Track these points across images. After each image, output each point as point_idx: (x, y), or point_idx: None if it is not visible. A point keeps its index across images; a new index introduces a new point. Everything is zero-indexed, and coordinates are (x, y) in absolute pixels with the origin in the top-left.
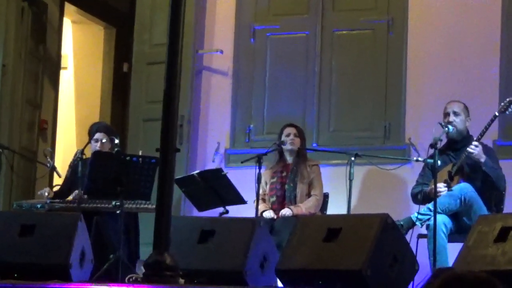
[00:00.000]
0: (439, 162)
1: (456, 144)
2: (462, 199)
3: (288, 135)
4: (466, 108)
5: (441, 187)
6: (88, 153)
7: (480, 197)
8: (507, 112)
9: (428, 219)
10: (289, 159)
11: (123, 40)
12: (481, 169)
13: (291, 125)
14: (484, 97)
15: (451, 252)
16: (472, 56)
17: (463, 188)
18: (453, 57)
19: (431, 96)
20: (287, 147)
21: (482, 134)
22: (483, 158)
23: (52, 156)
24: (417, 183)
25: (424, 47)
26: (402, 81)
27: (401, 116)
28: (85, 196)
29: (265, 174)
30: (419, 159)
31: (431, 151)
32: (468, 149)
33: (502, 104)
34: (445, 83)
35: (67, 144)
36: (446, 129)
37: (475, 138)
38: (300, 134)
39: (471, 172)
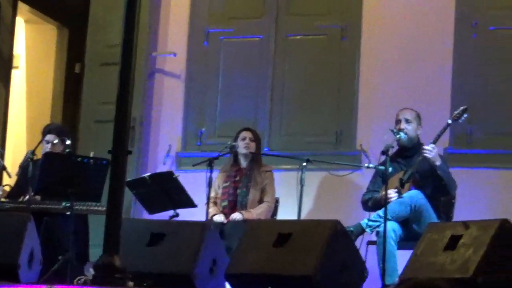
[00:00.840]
0: (390, 169)
1: (407, 151)
2: (413, 206)
3: (243, 139)
4: (418, 116)
5: (391, 193)
6: (39, 154)
7: (430, 204)
8: (460, 120)
9: (378, 226)
10: (243, 163)
11: (76, 40)
12: (433, 175)
13: (247, 129)
14: (436, 105)
15: (401, 259)
16: (425, 64)
17: (414, 195)
18: (406, 64)
19: (383, 102)
20: (242, 151)
21: (436, 139)
22: (438, 161)
23: (2, 156)
24: (368, 190)
25: (377, 53)
26: (355, 87)
27: (353, 122)
28: (38, 197)
29: (219, 177)
30: (370, 165)
31: (383, 157)
32: (423, 151)
33: (456, 112)
34: (397, 90)
35: (17, 144)
36: (398, 136)
37: (431, 141)
38: (256, 138)
39: (422, 179)
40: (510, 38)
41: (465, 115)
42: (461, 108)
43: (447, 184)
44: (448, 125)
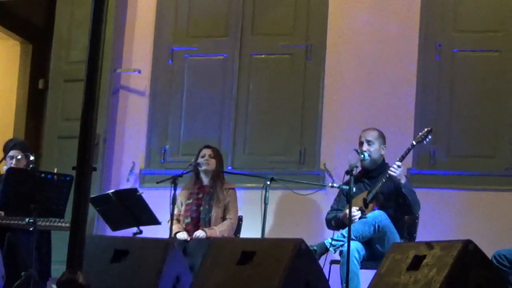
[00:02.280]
0: (354, 188)
1: (371, 172)
2: (376, 226)
3: (203, 156)
4: (381, 135)
5: (355, 211)
6: (2, 170)
7: (394, 225)
8: (424, 142)
9: (342, 245)
10: (205, 180)
11: (39, 56)
12: (397, 194)
13: (207, 146)
14: (399, 125)
15: (364, 279)
16: (389, 84)
17: (377, 215)
18: (370, 85)
19: (347, 122)
20: (202, 167)
21: (401, 159)
22: (403, 180)
23: None
24: (332, 209)
25: (341, 73)
26: (319, 107)
27: (317, 141)
28: (1, 213)
29: (181, 194)
30: (334, 185)
31: (347, 177)
32: (389, 171)
33: (420, 133)
34: (361, 110)
35: None
36: (362, 156)
37: (397, 160)
38: (216, 155)
39: (386, 200)
40: (474, 60)
41: (430, 137)
42: (426, 129)
43: (412, 203)
44: (413, 146)
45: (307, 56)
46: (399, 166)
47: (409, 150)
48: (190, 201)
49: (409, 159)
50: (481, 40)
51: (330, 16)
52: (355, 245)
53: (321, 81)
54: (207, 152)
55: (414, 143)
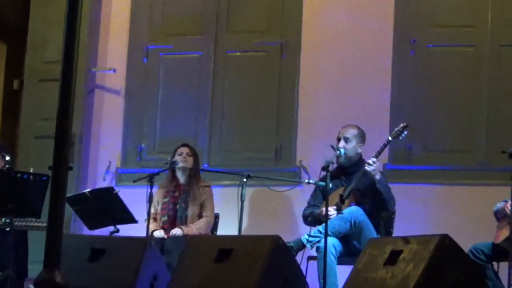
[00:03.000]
0: (330, 185)
1: (348, 168)
2: (352, 222)
3: (180, 154)
4: (360, 133)
5: (331, 210)
6: None
7: (370, 220)
8: (400, 138)
9: (318, 241)
10: (182, 179)
11: (14, 57)
12: (372, 190)
13: (184, 145)
14: (375, 121)
15: (341, 274)
16: (364, 81)
17: (354, 211)
18: (345, 81)
19: (322, 119)
20: (179, 165)
21: (377, 155)
22: (378, 176)
23: None
24: (308, 205)
25: (316, 70)
26: (294, 104)
27: (293, 138)
28: None
29: (158, 193)
30: (311, 181)
31: (323, 173)
32: (364, 167)
33: (396, 129)
34: (336, 106)
35: None
36: (338, 152)
37: (373, 156)
38: (193, 153)
39: (362, 196)
40: (448, 56)
41: (405, 132)
42: (401, 125)
43: (386, 199)
44: (389, 142)
45: (282, 53)
46: (374, 162)
47: (385, 145)
48: (166, 199)
49: (385, 154)
50: (456, 35)
51: (304, 13)
52: (332, 241)
53: (296, 78)
54: (184, 150)
55: (390, 138)
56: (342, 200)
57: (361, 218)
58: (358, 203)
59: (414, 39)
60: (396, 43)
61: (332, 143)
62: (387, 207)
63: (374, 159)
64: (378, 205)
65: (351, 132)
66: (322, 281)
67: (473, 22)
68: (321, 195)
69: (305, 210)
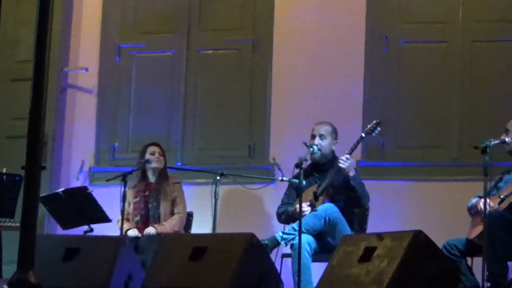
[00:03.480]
0: (304, 182)
1: (321, 165)
2: (327, 219)
3: (153, 154)
4: (334, 130)
5: (305, 207)
6: None
7: (344, 217)
8: (373, 134)
9: (293, 239)
10: (152, 178)
11: None
12: (346, 186)
13: (154, 144)
14: (348, 118)
15: (316, 271)
16: (337, 77)
17: (328, 208)
18: (318, 78)
19: (295, 116)
20: (153, 165)
21: (350, 152)
22: (352, 172)
23: None
24: (282, 203)
25: (289, 67)
26: (267, 101)
27: (266, 135)
28: None
29: (128, 193)
30: (284, 178)
31: (296, 170)
32: (338, 163)
33: (369, 126)
34: (309, 103)
35: None
36: (311, 149)
37: (346, 152)
38: (164, 152)
39: (336, 192)
40: (420, 51)
41: (379, 129)
42: (375, 121)
43: (360, 195)
44: (362, 138)
45: (254, 51)
46: (348, 159)
47: (358, 142)
48: (138, 199)
49: (358, 151)
50: (427, 31)
51: (276, 9)
52: (306, 238)
53: (268, 75)
54: (156, 149)
55: (363, 135)
56: (316, 197)
57: (335, 215)
58: (332, 200)
59: (386, 35)
60: (368, 39)
61: (305, 140)
62: (361, 203)
63: (348, 156)
64: (352, 202)
65: (326, 129)
66: (296, 278)
67: (445, 18)
68: (294, 192)
69: (279, 208)
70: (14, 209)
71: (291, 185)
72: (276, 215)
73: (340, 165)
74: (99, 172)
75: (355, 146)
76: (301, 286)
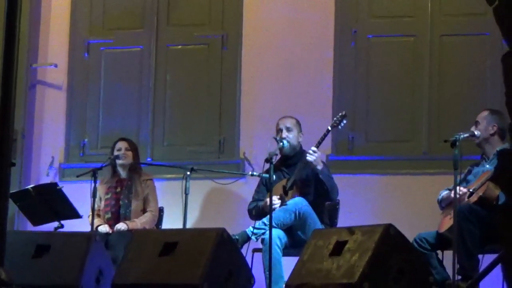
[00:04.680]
0: (274, 177)
1: (289, 159)
2: (297, 213)
3: (119, 150)
4: (298, 123)
5: (275, 199)
6: None
7: (314, 211)
8: (339, 126)
9: (263, 233)
10: (123, 173)
11: None
12: (315, 180)
13: (122, 139)
14: (317, 112)
15: (286, 266)
16: (306, 72)
17: (298, 202)
18: (287, 73)
19: (265, 111)
20: (120, 161)
21: (317, 145)
22: (320, 166)
23: None
24: (253, 199)
25: (258, 62)
26: (236, 96)
27: (236, 131)
28: None
29: (99, 189)
30: (254, 173)
31: (267, 165)
32: (307, 156)
33: (335, 118)
34: (279, 98)
35: None
36: (281, 144)
37: (313, 146)
38: (132, 147)
39: (304, 186)
40: (389, 45)
41: (344, 121)
42: (340, 114)
43: (329, 189)
44: (328, 131)
45: (223, 46)
46: (314, 152)
47: (325, 135)
48: (109, 195)
49: (327, 145)
50: (396, 25)
51: (245, 5)
52: (277, 233)
53: (238, 70)
54: (123, 145)
55: (330, 128)
56: (285, 191)
57: (305, 209)
58: (301, 194)
59: (354, 29)
60: (337, 34)
61: (275, 135)
62: (330, 196)
63: (315, 149)
64: (321, 195)
65: (291, 122)
66: (267, 273)
67: (413, 12)
68: (264, 188)
69: (249, 204)
70: None
71: (261, 181)
72: (247, 212)
73: (308, 158)
74: (69, 168)
75: (322, 139)
76: (272, 281)
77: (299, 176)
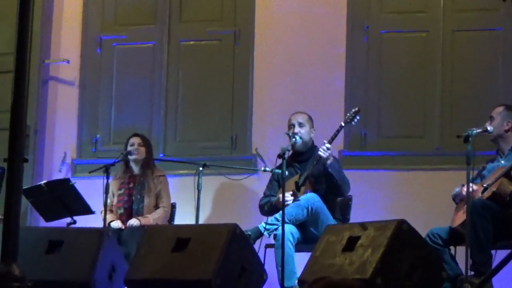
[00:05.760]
0: (286, 172)
1: (301, 155)
2: (309, 209)
3: (132, 145)
4: (310, 119)
5: (288, 196)
6: None
7: (326, 206)
8: (353, 122)
9: (276, 229)
10: (135, 169)
11: None
12: (327, 175)
13: (135, 135)
14: (329, 108)
15: (299, 262)
16: (318, 68)
17: (310, 198)
18: (299, 68)
19: (277, 107)
20: (132, 157)
21: (331, 141)
22: (330, 160)
23: None
24: (265, 195)
25: (270, 58)
26: (249, 92)
27: (248, 126)
28: None
29: (112, 184)
30: (267, 169)
31: (279, 161)
32: (319, 152)
33: (348, 114)
34: (291, 94)
35: None
36: (294, 139)
37: (326, 141)
38: (145, 143)
39: (317, 181)
40: (401, 41)
41: (358, 117)
42: (354, 110)
43: (339, 183)
44: (341, 127)
45: (236, 42)
46: (328, 148)
47: (338, 131)
48: (122, 191)
49: (340, 141)
50: (408, 21)
51: (257, 0)
52: (289, 228)
53: (250, 66)
54: (135, 140)
55: (343, 124)
56: (297, 187)
57: (318, 204)
58: (313, 190)
59: (367, 25)
60: (349, 29)
61: (287, 130)
62: (342, 191)
63: (328, 145)
64: (332, 190)
65: (303, 117)
66: (280, 268)
67: (425, 8)
68: (276, 184)
69: (261, 200)
70: None
71: (272, 177)
72: (258, 208)
73: (321, 154)
74: (81, 164)
75: (335, 135)
76: (285, 276)
77: (311, 171)
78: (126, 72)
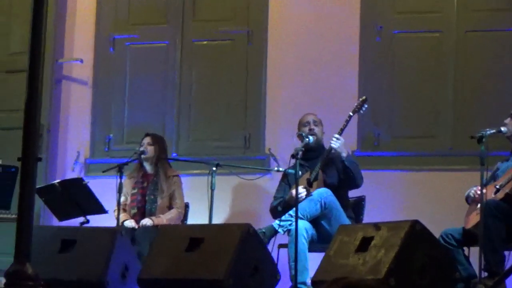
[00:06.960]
0: (300, 172)
1: (311, 153)
2: (322, 203)
3: (142, 145)
4: (321, 120)
5: (301, 189)
6: None
7: (338, 201)
8: (361, 111)
9: (290, 225)
10: (149, 168)
11: None
12: (339, 169)
13: (147, 134)
14: (342, 108)
15: (312, 262)
16: (331, 68)
17: (322, 192)
18: (312, 68)
19: (290, 107)
20: (143, 156)
21: (340, 133)
22: (344, 153)
23: None
24: (275, 198)
25: (283, 57)
26: (262, 92)
27: (261, 126)
28: None
29: (126, 184)
30: (280, 169)
31: (292, 161)
32: (331, 143)
33: (356, 104)
34: (304, 94)
35: None
36: (307, 139)
37: (336, 133)
38: (155, 142)
39: (329, 177)
40: (414, 41)
41: (365, 106)
42: (361, 99)
43: (355, 175)
44: (350, 117)
45: (249, 41)
46: (338, 139)
47: (347, 122)
48: (135, 190)
49: (353, 141)
50: (421, 21)
51: (271, 0)
52: (304, 224)
53: (263, 66)
54: (146, 140)
55: (351, 114)
56: (309, 183)
57: (331, 198)
58: (325, 185)
59: (380, 25)
60: (362, 29)
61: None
62: (356, 182)
63: (338, 136)
64: (346, 182)
65: (316, 117)
66: (292, 263)
67: (438, 8)
68: (286, 187)
69: (272, 203)
70: (10, 201)
71: (282, 179)
72: (270, 212)
73: (332, 144)
74: (94, 163)
75: (344, 126)
76: (297, 272)
77: (322, 166)
78: (139, 71)
